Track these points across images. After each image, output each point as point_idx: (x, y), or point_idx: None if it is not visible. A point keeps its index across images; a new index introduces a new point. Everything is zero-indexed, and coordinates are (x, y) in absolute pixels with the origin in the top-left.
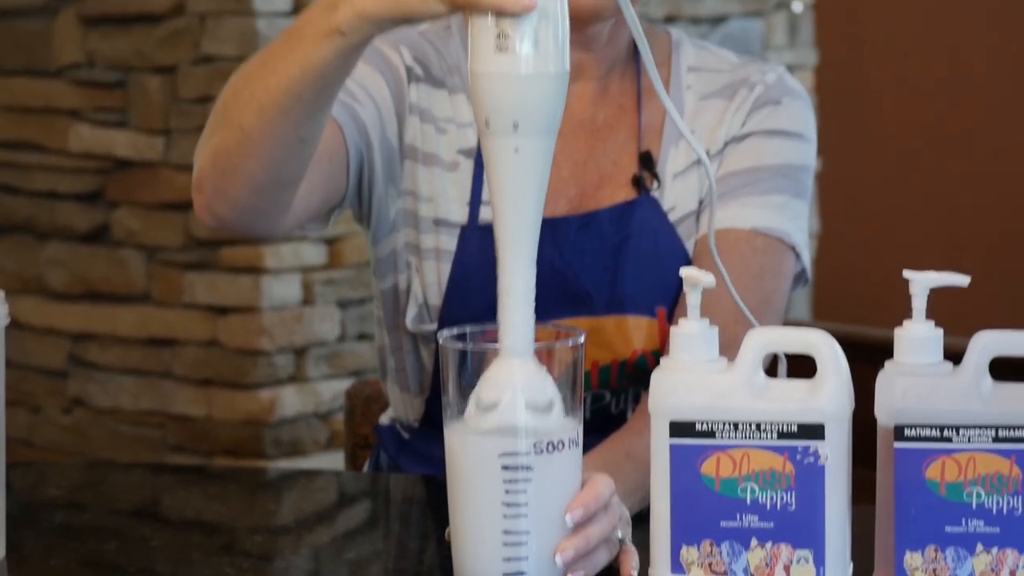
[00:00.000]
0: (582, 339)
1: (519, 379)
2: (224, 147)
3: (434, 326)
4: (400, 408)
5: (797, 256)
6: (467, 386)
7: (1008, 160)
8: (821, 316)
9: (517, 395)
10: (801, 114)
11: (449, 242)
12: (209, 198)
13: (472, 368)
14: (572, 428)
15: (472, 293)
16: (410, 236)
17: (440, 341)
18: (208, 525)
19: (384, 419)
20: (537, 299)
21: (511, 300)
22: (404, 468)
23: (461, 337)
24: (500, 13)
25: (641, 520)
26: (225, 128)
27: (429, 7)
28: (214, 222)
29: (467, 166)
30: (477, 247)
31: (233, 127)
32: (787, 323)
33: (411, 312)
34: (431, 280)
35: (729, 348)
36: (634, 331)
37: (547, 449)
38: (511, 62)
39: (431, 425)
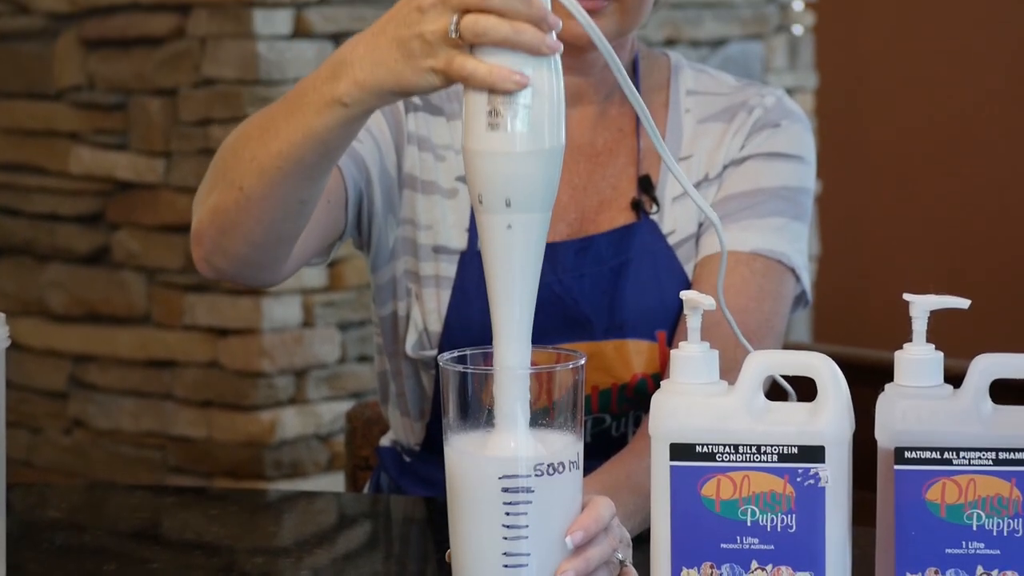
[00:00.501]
0: (582, 361)
1: (520, 446)
2: (223, 206)
3: (434, 352)
4: (401, 432)
5: (797, 278)
6: (467, 408)
7: (1008, 183)
8: (821, 338)
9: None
10: (800, 136)
11: (448, 268)
12: (208, 252)
13: (472, 390)
14: (573, 450)
15: (472, 318)
16: (409, 264)
17: (440, 363)
18: (208, 547)
19: (385, 441)
20: (536, 324)
21: (505, 381)
22: (405, 490)
23: (461, 359)
24: (492, 90)
25: (641, 542)
26: (224, 187)
27: (426, 81)
28: (213, 274)
29: (466, 193)
30: (476, 273)
31: (233, 187)
32: (787, 345)
33: (411, 338)
34: (431, 307)
35: (729, 371)
36: (634, 355)
37: (548, 471)
38: (503, 140)
39: (432, 449)
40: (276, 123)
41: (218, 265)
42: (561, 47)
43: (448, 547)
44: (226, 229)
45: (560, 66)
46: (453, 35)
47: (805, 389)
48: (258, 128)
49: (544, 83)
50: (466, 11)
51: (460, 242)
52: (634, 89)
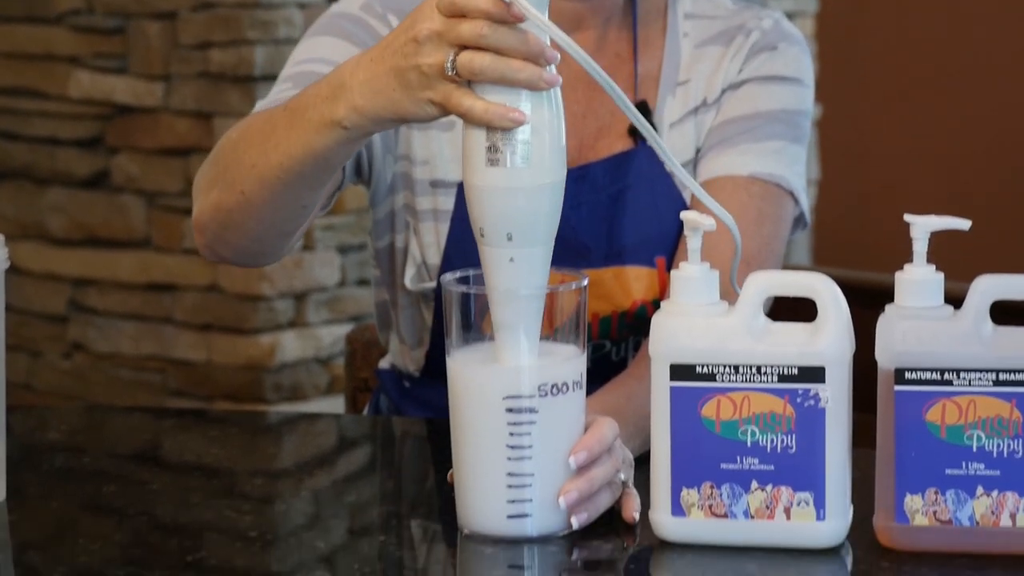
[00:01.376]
0: (585, 282)
1: (523, 348)
2: (225, 205)
3: (433, 284)
4: (399, 360)
5: (795, 201)
6: (470, 329)
7: (1009, 105)
8: (822, 262)
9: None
10: (798, 59)
11: (446, 202)
12: (210, 241)
13: (475, 311)
14: (576, 371)
15: (471, 251)
16: (407, 198)
17: (443, 284)
18: (208, 468)
19: (384, 364)
20: None
21: (509, 297)
22: (405, 413)
23: (464, 280)
24: (489, 127)
25: (641, 463)
26: (225, 187)
27: (424, 111)
28: (215, 259)
29: (461, 124)
30: None
31: (234, 190)
32: (787, 268)
33: (410, 271)
34: (429, 240)
35: (728, 293)
36: (633, 282)
37: (551, 392)
38: (503, 176)
39: (432, 374)
40: (277, 133)
41: (220, 253)
42: (560, 80)
43: (450, 468)
44: (228, 226)
45: (560, 97)
46: (450, 72)
47: (805, 311)
48: (259, 134)
49: (543, 117)
50: (463, 47)
51: (457, 174)
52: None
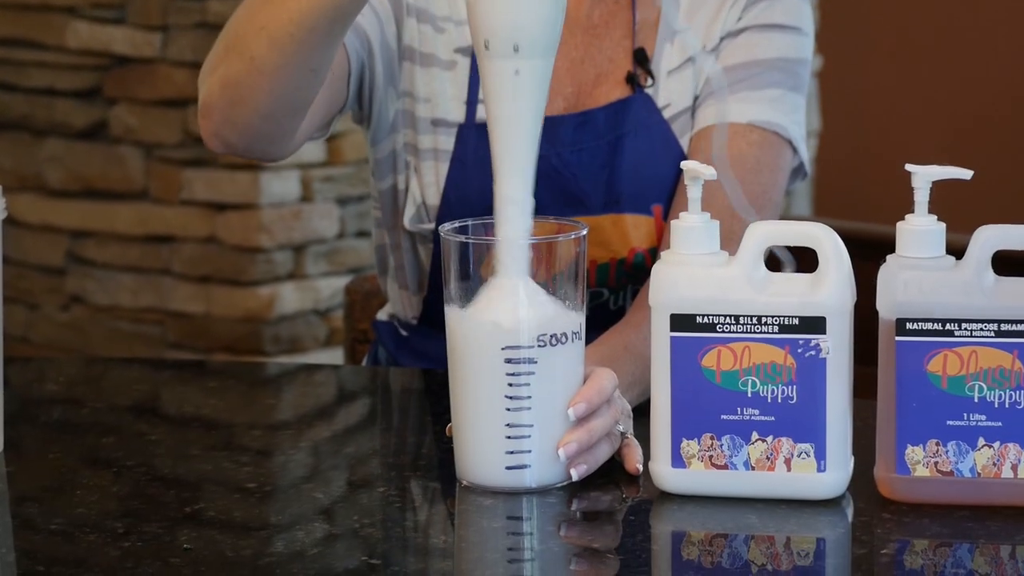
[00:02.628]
0: (584, 232)
1: (522, 299)
2: (234, 77)
3: (432, 225)
4: (399, 305)
5: (794, 150)
6: (468, 279)
7: (1013, 54)
8: (822, 213)
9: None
10: (798, 7)
11: (447, 142)
12: (218, 125)
13: (473, 261)
14: (575, 321)
15: (470, 192)
16: (408, 137)
17: (441, 234)
18: (206, 420)
19: (382, 315)
20: (534, 199)
21: (508, 218)
22: (403, 363)
23: (462, 230)
24: None
25: (640, 414)
26: (234, 57)
27: None
28: (223, 148)
29: (464, 64)
30: (474, 146)
31: (243, 57)
32: (787, 219)
33: (409, 212)
34: (429, 180)
35: (728, 242)
36: (632, 229)
37: (550, 342)
38: None
39: (429, 323)
40: None
41: (228, 138)
42: None
43: (448, 420)
44: (236, 101)
45: None
46: None
47: (806, 262)
48: None
49: None
50: None
51: (458, 115)
52: None
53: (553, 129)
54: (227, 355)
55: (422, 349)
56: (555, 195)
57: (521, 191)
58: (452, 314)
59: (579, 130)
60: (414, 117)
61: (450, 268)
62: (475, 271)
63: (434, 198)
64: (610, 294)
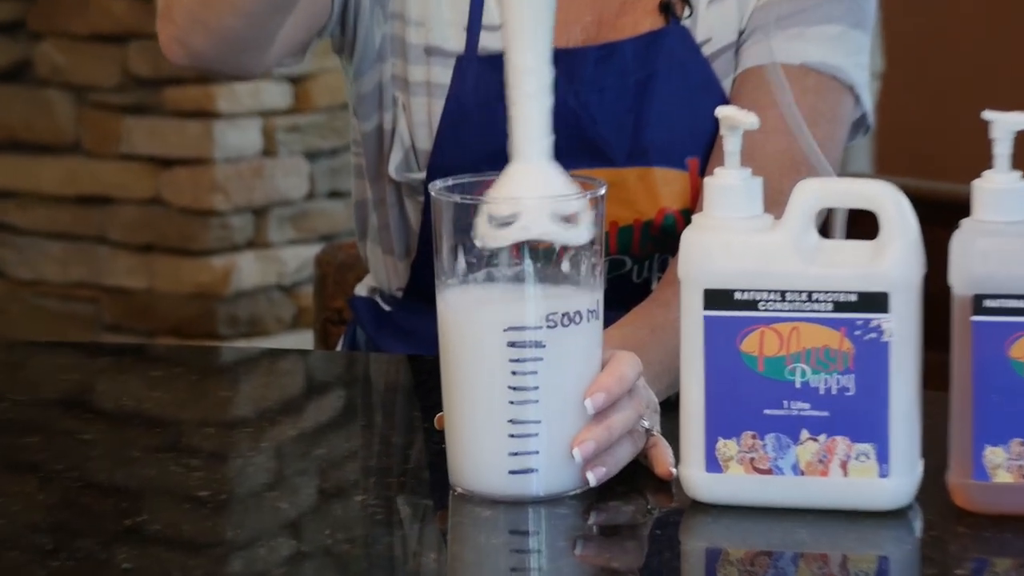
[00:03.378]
0: (603, 190)
1: (540, 184)
2: None
3: (422, 175)
4: (382, 274)
5: (856, 98)
6: (464, 248)
7: None
8: (885, 171)
9: (539, 203)
10: None
11: (443, 74)
12: (182, 29)
13: (472, 226)
14: (591, 297)
15: (468, 136)
16: (397, 68)
17: (432, 194)
18: (150, 417)
19: (361, 290)
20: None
21: (523, 96)
22: (385, 347)
23: (457, 188)
24: None
25: (669, 408)
26: None
27: None
28: (186, 58)
29: None
30: (475, 81)
31: None
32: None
33: (395, 157)
34: (420, 119)
35: (774, 204)
36: (661, 186)
37: (562, 322)
38: None
39: (417, 295)
40: None
41: (194, 45)
42: None
43: (439, 412)
44: None
45: None
46: None
47: (865, 227)
48: None
49: None
50: None
51: (457, 43)
52: None
53: (569, 63)
54: (174, 339)
55: (409, 328)
56: (571, 142)
57: (538, 60)
58: (444, 288)
59: (601, 66)
60: (404, 44)
61: (442, 235)
62: (472, 240)
63: (425, 141)
64: (633, 264)
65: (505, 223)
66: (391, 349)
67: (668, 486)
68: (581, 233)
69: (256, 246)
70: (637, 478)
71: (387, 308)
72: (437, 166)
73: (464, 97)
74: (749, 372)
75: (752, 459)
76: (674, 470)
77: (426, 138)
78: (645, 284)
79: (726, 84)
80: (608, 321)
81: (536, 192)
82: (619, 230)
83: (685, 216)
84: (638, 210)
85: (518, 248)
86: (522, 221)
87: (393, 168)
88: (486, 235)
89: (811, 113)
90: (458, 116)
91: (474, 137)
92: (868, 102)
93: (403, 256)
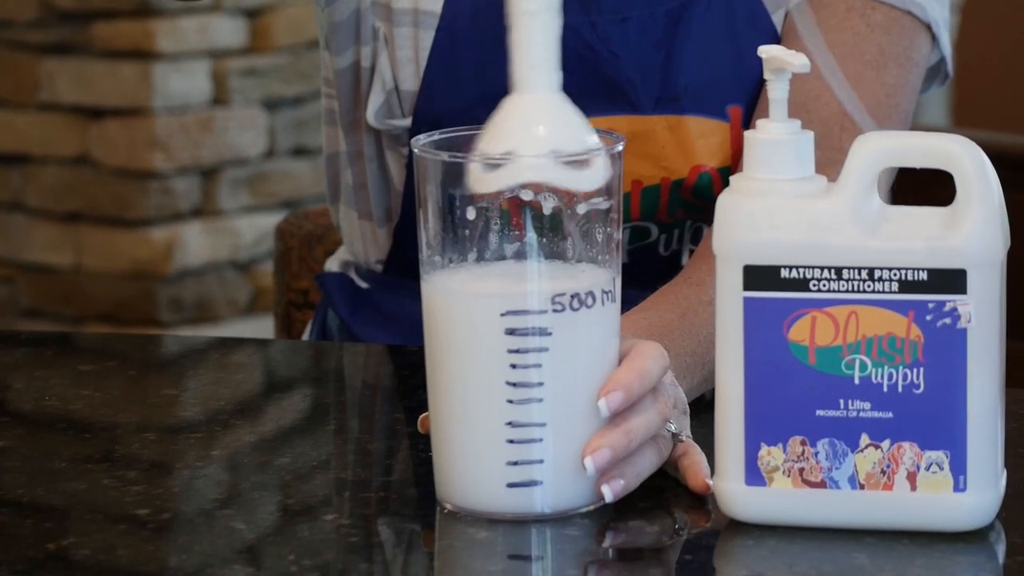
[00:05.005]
0: (621, 145)
1: (542, 118)
2: None
3: (406, 122)
4: (358, 244)
5: (933, 38)
6: (455, 217)
7: None
8: (964, 124)
9: (540, 140)
10: None
11: (432, 2)
12: None
13: (465, 188)
14: (606, 275)
15: (462, 76)
16: None
17: (416, 150)
18: (78, 420)
19: (332, 264)
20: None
21: (523, 14)
22: (361, 335)
23: (445, 143)
24: None
25: (701, 410)
26: None
27: None
28: None
29: None
30: (472, 8)
31: None
32: (918, 130)
33: (375, 101)
34: (405, 55)
35: (830, 164)
36: (696, 138)
37: (571, 305)
38: None
39: (400, 268)
40: None
41: None
42: None
43: (425, 412)
44: None
45: None
46: None
47: (939, 191)
48: None
49: None
50: None
51: None
52: None
53: None
54: (106, 326)
55: (390, 309)
56: (587, 84)
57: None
58: (430, 268)
59: None
60: None
61: (427, 200)
62: (463, 206)
63: (411, 82)
64: (660, 232)
65: (497, 164)
66: (369, 337)
67: (701, 502)
68: (592, 179)
69: (204, 215)
70: (662, 492)
71: (364, 285)
72: (424, 112)
73: (458, 28)
74: (798, 365)
75: (801, 470)
76: (710, 481)
77: (412, 77)
78: (674, 258)
79: (777, 17)
80: (628, 303)
81: (536, 127)
82: (643, 191)
83: (724, 176)
84: (667, 167)
85: (518, 213)
86: (518, 162)
87: (372, 114)
88: (475, 179)
89: (879, 54)
90: (450, 51)
91: (469, 78)
92: (947, 44)
93: (383, 221)
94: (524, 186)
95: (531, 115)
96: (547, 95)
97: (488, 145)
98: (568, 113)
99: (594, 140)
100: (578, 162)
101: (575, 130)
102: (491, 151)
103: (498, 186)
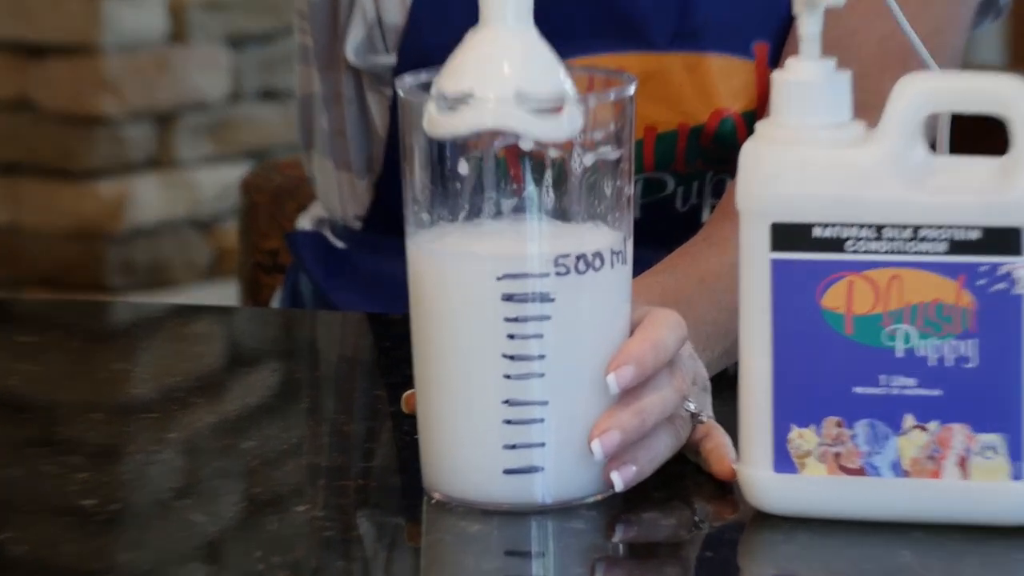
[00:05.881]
0: (632, 89)
1: (511, 55)
2: None
3: (391, 59)
4: (334, 198)
5: None
6: (443, 168)
7: None
8: (1021, 62)
9: (503, 80)
10: None
11: None
12: None
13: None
14: (616, 235)
15: (453, 7)
16: None
17: (401, 91)
18: (15, 398)
19: (305, 222)
20: (561, 24)
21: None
22: (338, 301)
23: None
24: None
25: (724, 387)
26: None
27: None
28: None
29: None
30: None
31: None
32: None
33: (355, 35)
34: None
35: (869, 109)
36: (718, 79)
37: (576, 268)
38: None
39: (383, 226)
40: None
41: None
42: None
43: (410, 388)
44: None
45: None
46: None
47: (992, 139)
48: None
49: None
50: None
51: None
52: None
53: None
54: (48, 292)
55: (370, 272)
56: (593, 17)
57: None
58: (417, 225)
59: None
60: None
61: (413, 150)
62: (454, 156)
63: (396, 13)
64: (678, 185)
65: (455, 106)
66: (346, 304)
67: (723, 492)
68: (561, 126)
69: (160, 166)
70: (680, 480)
71: (340, 245)
72: (412, 48)
73: None
74: (833, 336)
75: (837, 455)
76: (736, 467)
77: (397, 8)
78: (693, 214)
79: None
80: (641, 266)
81: (500, 65)
82: (658, 138)
83: (749, 121)
84: (685, 111)
85: (516, 164)
86: (477, 104)
87: (351, 50)
88: (431, 121)
89: None
90: None
91: (462, 8)
92: None
93: (364, 172)
94: (486, 132)
95: (495, 51)
96: (515, 28)
97: (444, 82)
98: (538, 50)
99: (567, 83)
100: (547, 109)
101: (545, 70)
102: (448, 90)
103: (454, 132)
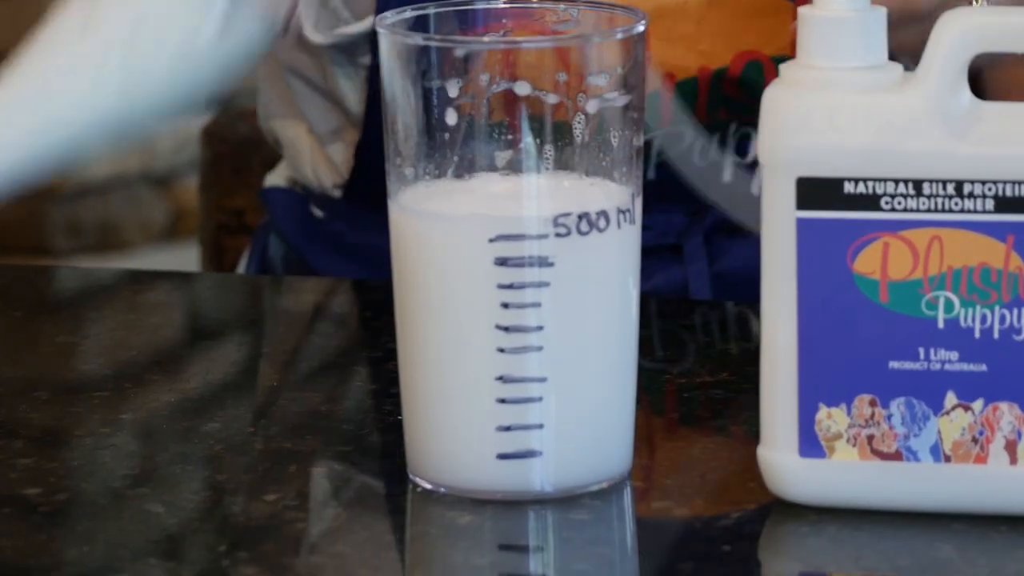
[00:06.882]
0: (642, 26)
1: None
2: None
3: (364, 24)
4: (307, 165)
5: None
6: (431, 120)
7: None
8: None
9: None
10: None
11: None
12: None
13: (444, 75)
14: (624, 192)
15: None
16: None
17: (381, 30)
18: None
19: (276, 179)
20: None
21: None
22: (318, 265)
23: (420, 23)
24: None
25: (746, 361)
26: None
27: None
28: None
29: None
30: None
31: None
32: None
33: (307, 15)
34: None
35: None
36: (743, 16)
37: (578, 229)
38: None
39: (365, 196)
40: None
41: None
42: None
43: (393, 362)
44: None
45: None
46: None
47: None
48: None
49: None
50: None
51: None
52: None
53: None
54: None
55: (351, 243)
56: None
57: None
58: (400, 186)
59: None
60: None
61: (395, 99)
62: (442, 104)
63: None
64: (696, 137)
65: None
66: (324, 268)
67: (743, 478)
68: None
69: None
70: (695, 465)
71: (319, 214)
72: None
73: None
74: (866, 304)
75: (870, 437)
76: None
77: None
78: (713, 172)
79: None
80: (655, 230)
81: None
82: (677, 86)
83: (777, 64)
84: (705, 53)
85: (512, 113)
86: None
87: (311, 28)
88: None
89: None
90: None
91: None
92: None
93: (334, 137)
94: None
95: None
96: None
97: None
98: None
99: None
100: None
101: None
102: None
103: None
